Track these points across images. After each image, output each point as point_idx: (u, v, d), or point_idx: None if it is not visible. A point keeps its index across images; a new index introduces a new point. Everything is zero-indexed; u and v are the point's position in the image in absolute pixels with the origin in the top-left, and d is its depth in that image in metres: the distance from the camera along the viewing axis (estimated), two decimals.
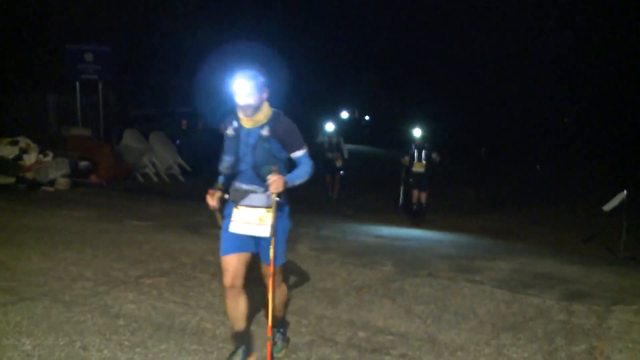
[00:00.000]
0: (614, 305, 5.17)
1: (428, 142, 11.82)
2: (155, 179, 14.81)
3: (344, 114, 43.56)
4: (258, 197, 3.58)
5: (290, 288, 5.44)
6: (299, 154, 3.62)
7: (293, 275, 5.92)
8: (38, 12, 18.77)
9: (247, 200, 3.60)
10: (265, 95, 3.57)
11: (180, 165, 15.69)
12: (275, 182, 3.43)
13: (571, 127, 35.29)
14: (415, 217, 11.69)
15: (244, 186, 3.63)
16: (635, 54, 28.80)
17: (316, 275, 5.96)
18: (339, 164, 13.37)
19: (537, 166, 24.30)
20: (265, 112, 3.60)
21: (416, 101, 34.47)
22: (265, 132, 3.54)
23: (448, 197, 14.83)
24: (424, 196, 11.73)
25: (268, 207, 3.53)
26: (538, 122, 34.12)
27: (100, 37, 17.45)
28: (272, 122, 3.58)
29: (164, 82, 23.55)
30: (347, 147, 13.83)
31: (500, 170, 23.62)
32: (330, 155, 13.31)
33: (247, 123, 3.60)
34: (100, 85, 16.12)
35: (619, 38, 29.93)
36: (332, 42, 34.54)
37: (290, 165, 3.67)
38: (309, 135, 13.51)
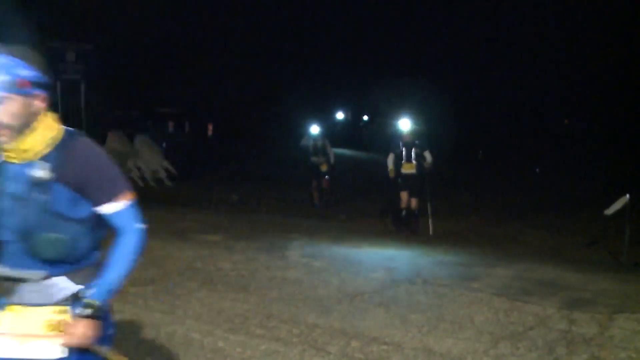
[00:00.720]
0: (617, 314, 5.19)
1: (420, 137, 10.27)
2: (140, 183, 14.78)
3: (340, 115, 42.80)
4: (36, 290, 2.04)
5: (280, 296, 5.45)
6: (116, 207, 2.11)
7: (283, 282, 5.93)
8: (15, 6, 18.71)
9: (18, 296, 2.04)
10: (39, 104, 2.05)
11: (166, 169, 15.67)
12: (74, 332, 1.96)
13: (572, 128, 35.48)
14: (406, 225, 10.27)
15: (9, 272, 2.03)
16: (637, 54, 29.02)
17: (308, 282, 5.97)
18: (324, 169, 13.07)
19: (537, 169, 24.39)
20: (44, 135, 2.05)
21: (414, 101, 34.55)
22: (39, 172, 1.99)
23: (444, 201, 14.87)
24: (414, 202, 10.17)
25: (61, 304, 2.05)
26: (537, 123, 34.30)
27: (82, 34, 17.41)
28: (58, 154, 2.04)
29: (150, 83, 23.52)
30: (335, 152, 13.70)
31: (498, 173, 23.70)
32: (315, 159, 13.05)
33: (12, 155, 2.02)
34: (82, 86, 16.07)
35: (621, 38, 30.15)
36: (327, 38, 34.50)
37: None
38: (298, 138, 13.44)
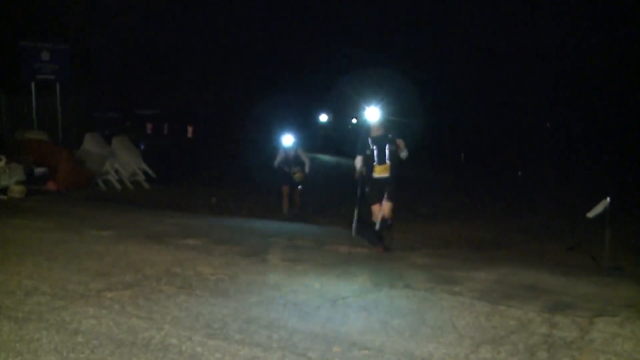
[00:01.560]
0: (598, 317, 5.26)
1: (391, 131, 8.28)
2: (118, 186, 14.68)
3: (323, 117, 41.38)
4: None
5: (260, 301, 5.44)
6: None
7: (263, 287, 5.91)
8: None
9: None
10: None
11: (144, 172, 15.57)
12: None
13: (553, 131, 35.89)
14: (379, 240, 8.39)
15: None
16: (619, 58, 29.44)
17: (288, 287, 5.96)
18: (297, 178, 12.28)
19: (519, 172, 24.63)
20: None
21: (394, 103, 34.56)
22: None
23: (425, 204, 14.95)
24: (388, 208, 8.24)
25: None
26: (519, 126, 34.64)
27: (57, 34, 17.25)
28: None
29: (128, 83, 23.36)
30: (323, 159, 13.34)
31: (480, 176, 23.88)
32: (286, 168, 12.31)
33: None
34: (58, 86, 15.92)
35: (603, 42, 30.57)
36: (309, 39, 34.31)
37: None
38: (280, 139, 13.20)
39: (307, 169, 12.38)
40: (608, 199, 8.44)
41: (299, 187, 12.39)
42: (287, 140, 12.29)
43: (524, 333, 4.84)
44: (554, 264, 8.45)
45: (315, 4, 34.21)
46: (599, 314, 5.37)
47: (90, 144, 14.91)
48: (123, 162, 15.11)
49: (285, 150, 12.34)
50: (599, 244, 8.77)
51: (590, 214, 8.60)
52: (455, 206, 15.48)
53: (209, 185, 16.65)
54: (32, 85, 15.70)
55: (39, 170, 12.84)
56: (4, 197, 11.48)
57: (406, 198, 11.07)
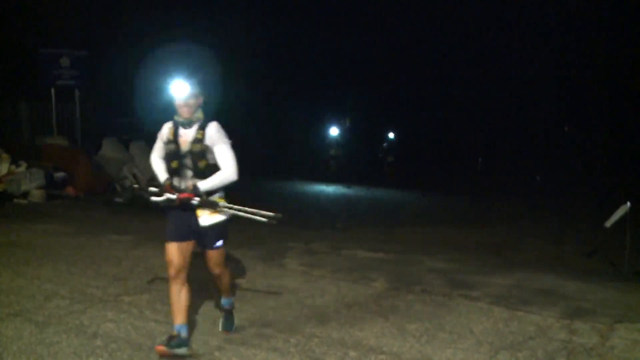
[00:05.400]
0: (618, 323, 5.20)
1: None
2: None
3: (334, 130, 31.49)
4: None
5: (278, 305, 5.44)
6: None
7: (281, 291, 5.92)
8: (8, 13, 18.74)
9: None
10: None
11: None
12: None
13: (572, 136, 35.56)
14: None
15: None
16: (638, 60, 29.12)
17: (305, 291, 5.97)
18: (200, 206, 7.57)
19: (537, 177, 24.45)
20: None
21: (411, 109, 34.48)
22: None
23: (442, 208, 14.88)
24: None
25: None
26: (538, 131, 34.39)
27: (76, 40, 17.42)
28: None
29: (146, 88, 23.50)
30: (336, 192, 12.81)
31: (498, 181, 23.72)
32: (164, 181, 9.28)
33: None
34: (77, 92, 16.08)
35: (622, 44, 30.26)
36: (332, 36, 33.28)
37: None
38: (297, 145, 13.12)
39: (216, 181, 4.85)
40: (628, 203, 8.34)
41: (217, 243, 4.85)
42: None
43: (542, 339, 4.79)
44: (572, 269, 8.37)
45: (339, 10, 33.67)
46: (619, 320, 5.31)
47: (109, 149, 15.01)
48: (141, 167, 15.19)
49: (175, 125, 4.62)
50: (619, 248, 8.68)
51: (608, 223, 8.49)
52: (472, 211, 15.39)
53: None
54: (52, 91, 15.85)
55: (58, 175, 12.94)
56: (25, 202, 11.60)
57: (422, 204, 11.03)
